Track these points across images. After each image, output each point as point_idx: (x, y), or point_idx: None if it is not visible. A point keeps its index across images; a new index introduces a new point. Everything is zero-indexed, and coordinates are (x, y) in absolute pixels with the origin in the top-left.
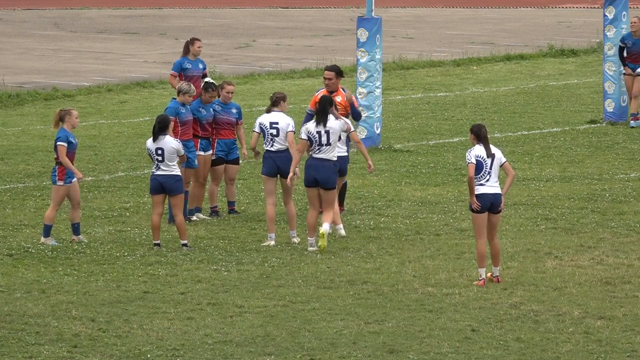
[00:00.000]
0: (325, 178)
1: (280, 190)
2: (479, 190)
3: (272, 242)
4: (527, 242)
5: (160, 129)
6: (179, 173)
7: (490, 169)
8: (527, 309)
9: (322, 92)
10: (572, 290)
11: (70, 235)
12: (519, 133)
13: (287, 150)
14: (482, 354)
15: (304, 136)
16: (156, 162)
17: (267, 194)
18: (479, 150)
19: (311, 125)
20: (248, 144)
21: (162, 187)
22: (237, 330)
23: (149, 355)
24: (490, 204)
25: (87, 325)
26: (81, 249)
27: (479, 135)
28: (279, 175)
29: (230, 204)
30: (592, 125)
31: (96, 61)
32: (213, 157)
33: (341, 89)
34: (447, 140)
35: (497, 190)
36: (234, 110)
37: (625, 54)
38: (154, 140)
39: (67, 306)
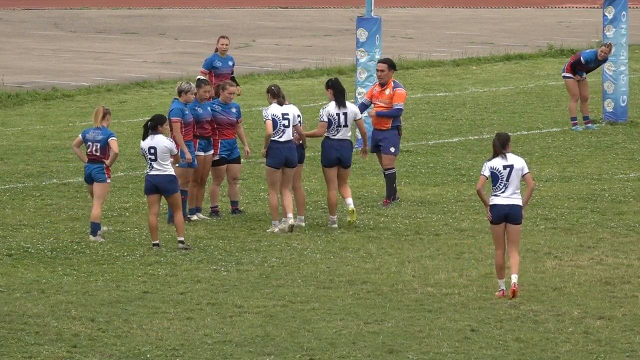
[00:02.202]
0: (347, 156)
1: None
2: (493, 200)
3: (276, 229)
4: (527, 242)
5: (151, 127)
6: (173, 173)
7: (507, 180)
8: (526, 309)
9: (376, 85)
10: (571, 290)
11: (72, 235)
12: (518, 133)
13: (291, 141)
14: (481, 353)
15: (325, 119)
16: (149, 161)
17: (272, 184)
18: (494, 161)
19: (332, 108)
20: (249, 142)
21: (156, 187)
22: (236, 330)
23: (148, 355)
24: (505, 215)
25: (86, 325)
26: (80, 249)
27: (495, 145)
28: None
29: (234, 203)
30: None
31: (95, 61)
32: (216, 157)
33: (392, 83)
34: (446, 140)
35: (514, 201)
36: (233, 110)
37: (577, 66)
38: (144, 138)
39: (66, 306)
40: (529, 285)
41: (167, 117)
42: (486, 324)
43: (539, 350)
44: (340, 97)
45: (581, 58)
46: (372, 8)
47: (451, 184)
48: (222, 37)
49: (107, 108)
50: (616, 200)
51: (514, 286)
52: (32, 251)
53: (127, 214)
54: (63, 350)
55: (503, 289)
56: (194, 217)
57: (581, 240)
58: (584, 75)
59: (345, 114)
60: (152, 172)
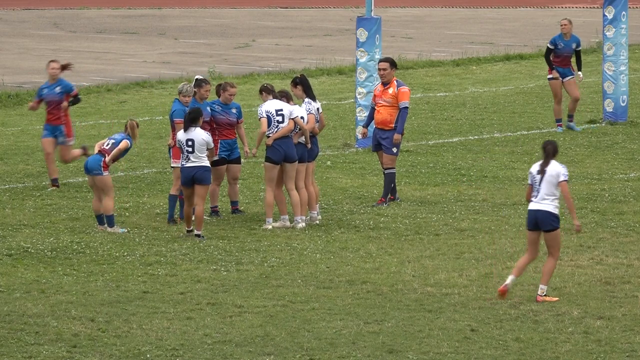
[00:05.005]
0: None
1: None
2: (529, 206)
3: (270, 227)
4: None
5: (190, 120)
6: (208, 164)
7: (539, 185)
8: (526, 309)
9: (378, 85)
10: (571, 290)
11: (72, 235)
12: (518, 133)
13: (289, 136)
14: (481, 353)
15: (313, 112)
16: (186, 153)
17: (270, 180)
18: (534, 166)
19: (313, 104)
20: (249, 143)
21: (192, 178)
22: (236, 330)
23: (148, 355)
24: (534, 221)
25: (86, 325)
26: (80, 249)
27: (542, 150)
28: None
29: (234, 203)
30: (592, 125)
31: (95, 61)
32: (216, 158)
33: (395, 82)
34: (446, 140)
35: (543, 206)
36: (233, 110)
37: (552, 57)
38: (185, 131)
39: (66, 306)
40: (528, 285)
41: (169, 118)
42: (486, 324)
43: (539, 350)
44: (311, 92)
45: (548, 45)
46: (372, 8)
47: (451, 184)
48: (52, 61)
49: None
50: (616, 200)
51: (538, 298)
52: (32, 251)
53: (127, 214)
54: (63, 350)
55: (507, 284)
56: (194, 217)
57: (581, 240)
58: (578, 74)
59: (317, 109)
60: (189, 164)
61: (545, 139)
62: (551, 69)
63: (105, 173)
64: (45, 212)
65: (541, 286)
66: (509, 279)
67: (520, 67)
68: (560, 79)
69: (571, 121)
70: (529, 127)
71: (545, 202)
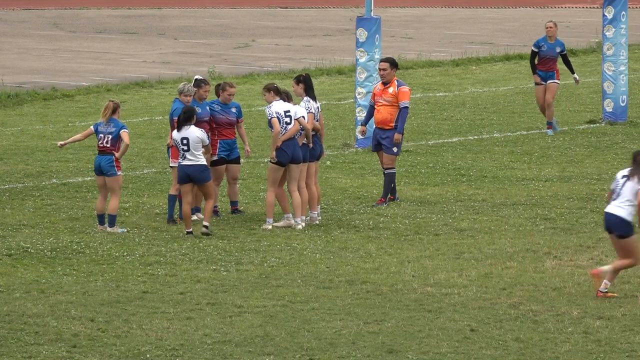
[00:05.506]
0: (322, 149)
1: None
2: (605, 208)
3: (270, 227)
4: (526, 242)
5: (185, 119)
6: (205, 162)
7: (620, 189)
8: (526, 309)
9: (379, 84)
10: (571, 290)
11: (71, 235)
12: (518, 133)
13: (294, 138)
14: (481, 353)
15: (312, 111)
16: (182, 151)
17: (274, 182)
18: (622, 171)
19: (312, 104)
20: (249, 142)
21: (189, 177)
22: (236, 330)
23: (148, 355)
24: (607, 224)
25: (86, 325)
26: (80, 249)
27: (632, 160)
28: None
29: (233, 203)
30: (591, 125)
31: (95, 61)
32: (215, 158)
33: (396, 81)
34: (446, 140)
35: (613, 210)
36: (233, 110)
37: (536, 61)
38: (179, 130)
39: (66, 306)
40: (528, 285)
41: (169, 117)
42: (486, 324)
43: (539, 350)
44: (312, 92)
45: (532, 48)
46: (372, 8)
47: (451, 184)
48: None
49: (117, 102)
50: None
51: (599, 294)
52: (32, 251)
53: (127, 214)
54: (63, 350)
55: (600, 290)
56: (193, 217)
57: (581, 240)
58: (574, 77)
59: (317, 108)
60: (185, 162)
61: (635, 150)
62: (534, 73)
63: (119, 173)
64: (45, 212)
65: (605, 281)
66: (603, 284)
67: (520, 67)
68: (543, 83)
69: (549, 127)
70: (529, 127)
71: (621, 205)
